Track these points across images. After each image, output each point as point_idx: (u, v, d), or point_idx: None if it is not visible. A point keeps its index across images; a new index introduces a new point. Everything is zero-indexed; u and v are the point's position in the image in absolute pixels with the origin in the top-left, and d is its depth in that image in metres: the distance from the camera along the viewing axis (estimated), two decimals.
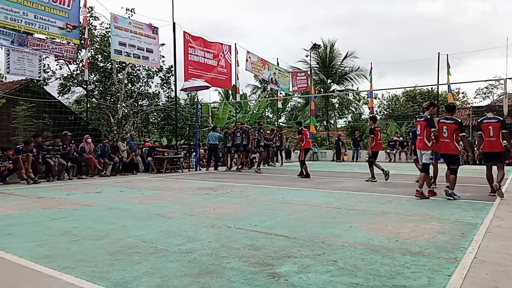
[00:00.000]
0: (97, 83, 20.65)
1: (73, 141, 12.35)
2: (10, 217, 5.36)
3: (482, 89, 42.24)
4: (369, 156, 10.63)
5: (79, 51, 16.77)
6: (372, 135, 10.51)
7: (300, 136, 11.99)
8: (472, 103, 39.62)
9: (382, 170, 10.23)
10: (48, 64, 18.54)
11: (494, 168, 7.34)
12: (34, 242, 3.96)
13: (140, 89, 21.64)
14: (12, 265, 3.23)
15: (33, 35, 12.73)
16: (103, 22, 19.53)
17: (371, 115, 13.39)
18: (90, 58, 18.53)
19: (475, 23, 72.07)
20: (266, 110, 33.06)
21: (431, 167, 7.71)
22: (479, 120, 7.64)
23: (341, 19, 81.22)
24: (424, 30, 71.72)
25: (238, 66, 18.51)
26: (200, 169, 15.25)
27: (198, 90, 18.23)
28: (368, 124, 13.55)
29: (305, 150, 11.86)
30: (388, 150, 22.66)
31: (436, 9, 74.72)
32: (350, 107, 37.15)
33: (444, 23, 71.86)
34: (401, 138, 22.72)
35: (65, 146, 11.79)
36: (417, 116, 8.24)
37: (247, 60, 19.11)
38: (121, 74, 20.41)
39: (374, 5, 76.53)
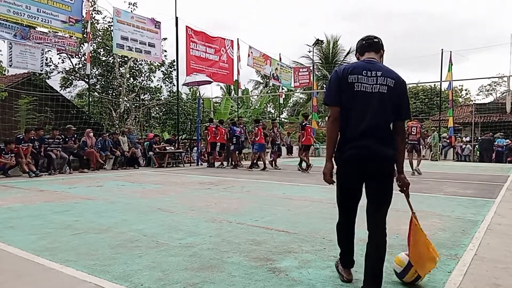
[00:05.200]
0: (99, 77, 20.64)
1: (76, 135, 12.37)
2: (12, 210, 5.39)
3: (485, 86, 42.10)
4: (300, 149, 11.94)
5: (82, 45, 16.73)
6: (303, 131, 11.81)
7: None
8: (475, 100, 39.53)
9: (307, 164, 11.60)
10: (50, 58, 18.56)
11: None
12: (36, 235, 3.98)
13: (142, 84, 21.62)
14: (14, 258, 3.26)
15: (36, 29, 12.72)
16: (105, 16, 19.53)
17: (303, 113, 14.27)
18: (93, 52, 18.52)
19: (481, 19, 71.61)
20: (268, 105, 33.02)
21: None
22: None
23: (345, 14, 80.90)
24: (429, 26, 71.35)
25: (240, 61, 18.48)
26: (201, 164, 15.24)
27: (200, 85, 18.19)
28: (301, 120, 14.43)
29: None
30: None
31: (442, 4, 74.20)
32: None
33: (450, 19, 71.49)
34: None
35: (67, 139, 11.82)
36: None
37: (249, 55, 19.06)
38: (123, 68, 20.38)
39: (378, 0, 76.13)
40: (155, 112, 23.92)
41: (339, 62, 34.47)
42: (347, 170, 2.50)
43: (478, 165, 16.61)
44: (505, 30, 59.79)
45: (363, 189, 2.54)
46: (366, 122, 2.40)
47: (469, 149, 20.98)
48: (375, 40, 2.63)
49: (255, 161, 13.36)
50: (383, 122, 2.46)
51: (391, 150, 2.45)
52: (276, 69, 21.31)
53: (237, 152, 13.88)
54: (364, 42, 2.64)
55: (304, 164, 12.08)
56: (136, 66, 21.04)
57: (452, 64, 19.54)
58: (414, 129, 11.23)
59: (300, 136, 12.18)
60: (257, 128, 12.94)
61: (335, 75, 2.52)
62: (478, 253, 3.37)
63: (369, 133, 2.40)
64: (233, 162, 13.91)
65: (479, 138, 21.58)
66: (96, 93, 20.59)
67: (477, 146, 20.94)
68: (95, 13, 18.70)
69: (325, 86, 33.69)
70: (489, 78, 43.27)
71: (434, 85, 33.63)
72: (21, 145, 10.26)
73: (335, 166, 2.59)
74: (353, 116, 2.43)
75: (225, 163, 14.25)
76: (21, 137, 10.56)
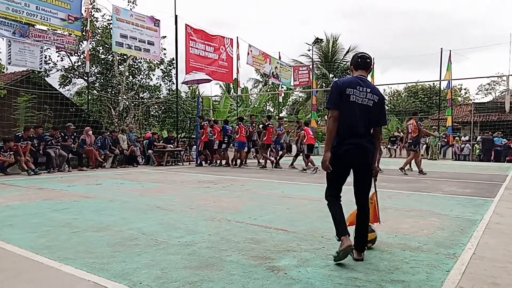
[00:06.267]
0: (98, 75, 20.58)
1: (75, 134, 12.37)
2: (11, 208, 5.39)
3: (484, 85, 42.10)
4: (259, 147, 13.19)
5: (81, 43, 16.67)
6: (265, 130, 12.97)
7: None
8: (474, 99, 39.55)
9: (258, 162, 13.14)
10: (49, 56, 18.46)
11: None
12: (35, 233, 3.98)
13: (141, 82, 21.58)
14: (13, 256, 3.25)
15: (35, 26, 12.67)
16: (105, 14, 19.45)
17: (268, 114, 15.32)
18: (92, 50, 18.46)
19: (481, 18, 71.59)
20: (267, 104, 33.02)
21: None
22: None
23: (345, 12, 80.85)
24: (428, 24, 71.33)
25: (239, 59, 18.45)
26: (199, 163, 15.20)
27: (199, 83, 18.18)
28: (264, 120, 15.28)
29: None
30: (389, 146, 22.65)
31: (442, 3, 74.16)
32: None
33: (449, 17, 71.45)
34: (401, 133, 22.70)
35: (66, 137, 11.82)
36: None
37: (248, 54, 19.02)
38: (122, 66, 20.34)
39: None
40: (154, 111, 23.89)
41: (339, 61, 34.51)
42: (343, 160, 3.16)
43: (477, 164, 16.64)
44: (505, 29, 59.69)
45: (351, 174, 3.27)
46: (357, 126, 3.14)
47: (469, 148, 21.01)
48: (368, 60, 3.31)
49: (242, 160, 13.80)
50: (368, 127, 3.24)
51: (372, 147, 3.23)
52: (276, 67, 21.29)
53: (241, 150, 13.92)
54: (359, 60, 3.30)
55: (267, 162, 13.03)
56: (135, 64, 21.00)
57: (451, 63, 19.52)
58: (410, 127, 11.10)
59: (262, 135, 13.29)
60: (237, 127, 13.51)
61: (336, 85, 3.19)
62: (477, 252, 3.38)
63: (359, 134, 3.15)
64: (229, 161, 14.03)
65: (479, 137, 21.60)
66: (95, 91, 20.55)
67: (476, 145, 20.97)
68: (94, 11, 18.65)
69: (324, 84, 33.75)
70: (488, 77, 43.28)
71: (433, 84, 33.65)
72: (20, 143, 10.26)
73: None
74: (347, 120, 3.12)
75: (223, 162, 14.24)
76: (20, 135, 10.55)
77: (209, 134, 14.07)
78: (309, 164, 11.80)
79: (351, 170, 3.23)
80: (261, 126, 14.26)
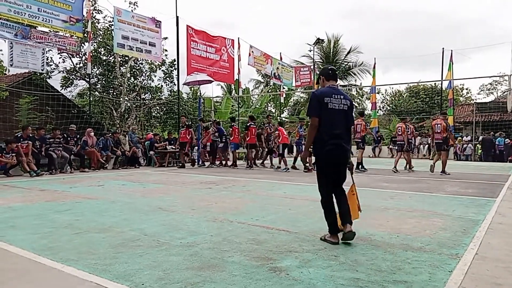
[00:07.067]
0: (100, 77, 20.64)
1: (78, 135, 12.40)
2: (13, 210, 5.40)
3: (486, 85, 41.94)
4: (246, 147, 13.68)
5: (82, 44, 16.74)
6: (247, 131, 13.42)
7: (246, 131, 13.47)
8: (476, 99, 39.42)
9: (250, 161, 13.33)
10: (51, 57, 18.58)
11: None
12: (37, 234, 3.98)
13: (143, 83, 21.63)
14: (15, 257, 3.26)
15: (37, 28, 12.72)
16: (106, 16, 19.55)
17: (267, 113, 15.75)
18: (93, 51, 18.52)
19: (483, 18, 71.43)
20: (269, 104, 32.98)
21: None
22: None
23: (345, 12, 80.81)
24: (430, 24, 71.20)
25: (240, 60, 18.45)
26: (203, 164, 15.21)
27: (200, 84, 18.19)
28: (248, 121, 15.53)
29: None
30: (390, 146, 22.59)
31: (443, 3, 74.05)
32: (353, 103, 36.92)
33: (451, 17, 71.33)
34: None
35: (68, 139, 11.84)
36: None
37: (249, 55, 19.01)
38: (124, 67, 20.39)
39: None
40: (155, 112, 23.94)
41: (340, 61, 34.43)
42: (328, 158, 3.70)
43: (479, 165, 16.60)
44: (507, 29, 59.56)
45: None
46: (336, 128, 3.68)
47: (471, 149, 20.95)
48: (336, 72, 3.97)
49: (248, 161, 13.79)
50: (345, 128, 3.77)
51: (349, 147, 3.84)
52: (277, 68, 21.27)
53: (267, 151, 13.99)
54: (330, 72, 3.90)
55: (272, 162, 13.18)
56: (136, 65, 21.05)
57: (453, 63, 19.48)
58: (439, 127, 10.96)
59: (245, 136, 13.73)
60: (231, 129, 14.00)
61: (315, 96, 3.71)
62: (479, 253, 3.37)
63: (338, 136, 3.69)
64: (225, 162, 14.28)
65: (481, 137, 21.55)
66: (97, 93, 20.59)
67: (478, 145, 20.91)
68: (95, 12, 18.72)
69: None
70: (490, 77, 43.11)
71: (435, 84, 33.57)
72: (20, 143, 10.27)
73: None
74: (328, 124, 3.65)
75: (229, 163, 14.31)
76: (19, 135, 10.57)
77: (213, 135, 14.14)
78: (282, 163, 12.41)
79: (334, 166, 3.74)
80: (245, 126, 14.76)
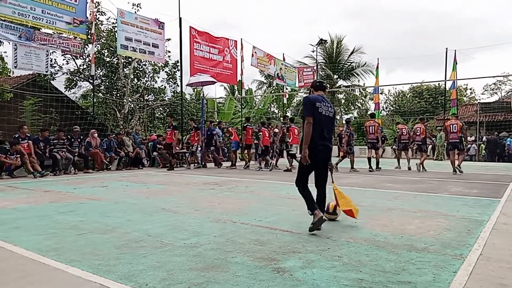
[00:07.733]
0: (103, 78, 20.72)
1: (81, 137, 12.45)
2: (18, 211, 5.42)
3: (490, 85, 41.72)
4: (243, 148, 14.24)
5: (86, 46, 16.80)
6: (244, 131, 13.89)
7: (244, 132, 13.90)
8: (480, 99, 39.24)
9: (247, 162, 13.84)
10: (55, 59, 18.65)
11: None
12: (42, 235, 4.00)
13: (146, 84, 21.68)
14: (20, 258, 3.27)
15: (40, 30, 12.78)
16: (109, 17, 19.59)
17: (285, 115, 16.70)
18: (97, 53, 18.58)
19: (487, 18, 71.10)
20: (272, 105, 33.00)
21: None
22: None
23: (348, 12, 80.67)
24: (433, 24, 70.97)
25: (243, 61, 18.47)
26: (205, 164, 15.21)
27: (203, 85, 18.20)
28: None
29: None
30: (394, 146, 22.51)
31: (447, 2, 73.78)
32: (356, 103, 36.91)
33: (454, 17, 71.07)
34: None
35: (72, 140, 11.89)
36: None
37: (252, 55, 19.02)
38: (127, 69, 20.46)
39: None
40: (159, 113, 23.99)
41: (343, 62, 34.36)
42: (316, 156, 4.20)
43: (483, 165, 16.53)
44: (511, 29, 59.32)
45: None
46: (324, 131, 4.24)
47: (475, 149, 20.85)
48: (323, 84, 4.69)
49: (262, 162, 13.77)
50: (330, 132, 4.38)
51: (331, 148, 4.41)
52: (281, 69, 21.27)
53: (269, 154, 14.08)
54: (318, 84, 4.63)
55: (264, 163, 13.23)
56: (140, 66, 21.12)
57: (456, 63, 19.42)
58: (455, 127, 11.13)
59: (243, 136, 14.15)
60: (230, 129, 14.99)
61: (309, 99, 4.25)
62: (484, 253, 3.35)
63: (326, 138, 4.26)
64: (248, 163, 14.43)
65: (485, 137, 21.44)
66: (100, 94, 20.68)
67: (482, 145, 20.81)
68: (99, 14, 18.81)
69: (329, 86, 33.62)
70: (494, 77, 42.83)
71: (439, 84, 33.45)
72: (20, 143, 10.32)
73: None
74: (318, 127, 4.16)
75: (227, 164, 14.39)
76: (17, 135, 10.62)
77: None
78: (260, 163, 12.96)
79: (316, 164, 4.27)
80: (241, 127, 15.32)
